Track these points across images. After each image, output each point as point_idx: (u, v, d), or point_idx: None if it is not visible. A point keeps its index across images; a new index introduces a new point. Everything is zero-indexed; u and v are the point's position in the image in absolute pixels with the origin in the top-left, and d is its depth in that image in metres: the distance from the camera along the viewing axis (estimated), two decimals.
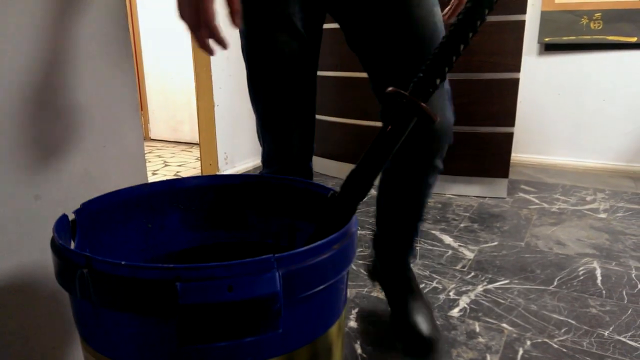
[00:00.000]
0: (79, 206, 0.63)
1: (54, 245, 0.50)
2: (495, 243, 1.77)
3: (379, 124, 2.36)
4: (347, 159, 2.63)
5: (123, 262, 0.43)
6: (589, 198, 2.32)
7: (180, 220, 0.78)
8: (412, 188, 1.01)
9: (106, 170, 0.86)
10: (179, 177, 0.75)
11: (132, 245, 0.72)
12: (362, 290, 1.41)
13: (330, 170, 2.75)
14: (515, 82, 2.20)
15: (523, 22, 2.16)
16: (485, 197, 2.31)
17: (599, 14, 2.69)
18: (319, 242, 0.49)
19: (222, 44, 0.68)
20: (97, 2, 0.83)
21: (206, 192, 0.78)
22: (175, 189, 0.75)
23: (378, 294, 1.39)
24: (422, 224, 1.08)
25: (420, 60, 0.85)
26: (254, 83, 0.98)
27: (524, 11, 2.16)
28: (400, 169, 0.99)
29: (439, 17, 0.88)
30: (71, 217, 0.61)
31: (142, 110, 3.87)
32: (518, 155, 3.01)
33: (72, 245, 0.60)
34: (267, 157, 1.02)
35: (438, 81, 0.59)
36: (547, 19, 2.80)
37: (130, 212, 0.70)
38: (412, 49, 0.86)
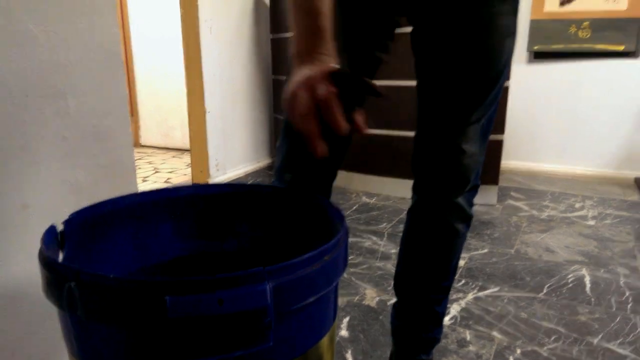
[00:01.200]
0: (67, 216, 0.62)
1: (41, 257, 0.49)
2: (486, 250, 1.78)
3: (380, 131, 2.37)
4: (348, 167, 2.62)
5: (111, 276, 0.43)
6: (577, 205, 2.34)
7: (171, 229, 0.77)
8: (434, 232, 0.90)
9: (96, 178, 0.85)
10: (170, 187, 0.74)
11: (121, 255, 0.71)
12: (353, 298, 1.41)
13: None
14: (505, 90, 2.22)
15: None
16: (475, 204, 2.32)
17: (587, 22, 2.73)
18: (310, 254, 0.49)
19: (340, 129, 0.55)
20: (88, 11, 0.82)
21: (197, 201, 0.77)
22: (165, 199, 0.74)
23: (369, 302, 1.39)
24: (447, 296, 0.98)
25: (465, 81, 0.80)
26: None
27: None
28: (422, 213, 0.91)
29: (506, 50, 0.80)
30: (60, 227, 0.60)
31: (132, 116, 3.85)
32: (508, 161, 3.04)
33: (61, 256, 0.59)
34: (280, 165, 0.87)
35: (380, 54, 0.58)
36: (536, 27, 2.84)
37: (120, 222, 0.69)
38: (460, 72, 0.80)
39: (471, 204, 0.91)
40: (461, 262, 1.67)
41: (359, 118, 0.59)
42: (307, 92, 0.56)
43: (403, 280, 0.98)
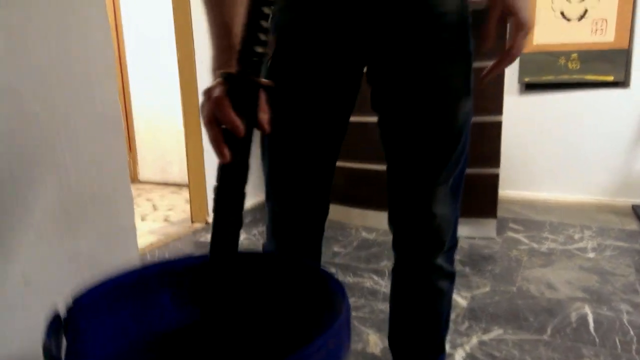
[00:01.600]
0: (69, 293, 0.62)
1: (46, 354, 0.49)
2: (488, 289, 1.78)
3: (378, 166, 2.36)
4: (347, 202, 2.63)
5: None
6: (576, 236, 2.35)
7: (172, 299, 0.77)
8: (418, 295, 0.90)
9: (96, 247, 0.85)
10: (170, 259, 0.75)
11: (123, 329, 0.71)
12: (356, 346, 1.40)
13: None
14: (498, 124, 2.25)
15: None
16: (475, 238, 2.33)
17: (576, 54, 2.79)
18: (313, 345, 0.49)
19: (238, 132, 0.57)
20: (88, 81, 0.84)
21: (197, 271, 0.77)
22: (165, 271, 0.75)
23: (373, 350, 1.38)
24: (443, 352, 0.97)
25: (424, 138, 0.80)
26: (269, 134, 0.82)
27: None
28: (405, 275, 0.91)
29: (462, 111, 0.81)
30: (62, 310, 0.60)
31: (130, 151, 3.87)
32: (504, 191, 3.05)
33: (64, 342, 0.59)
34: (269, 227, 0.91)
35: (260, 49, 0.57)
36: (527, 60, 2.89)
37: (121, 298, 0.69)
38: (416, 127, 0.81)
39: (452, 261, 0.90)
40: (464, 302, 1.66)
41: (262, 117, 0.61)
42: (207, 103, 0.59)
43: (395, 342, 0.98)
